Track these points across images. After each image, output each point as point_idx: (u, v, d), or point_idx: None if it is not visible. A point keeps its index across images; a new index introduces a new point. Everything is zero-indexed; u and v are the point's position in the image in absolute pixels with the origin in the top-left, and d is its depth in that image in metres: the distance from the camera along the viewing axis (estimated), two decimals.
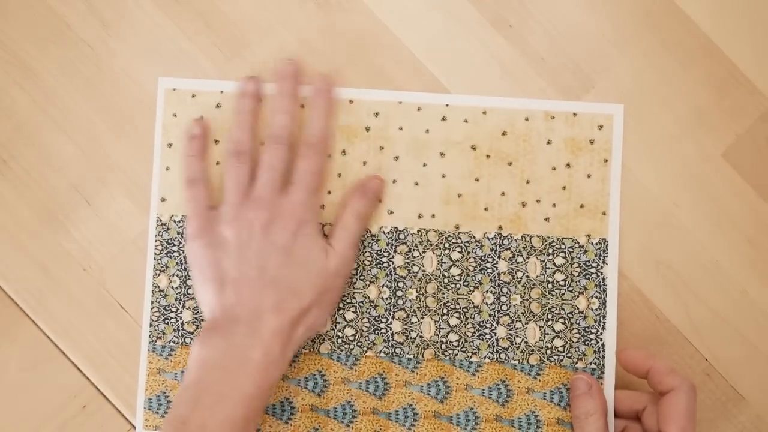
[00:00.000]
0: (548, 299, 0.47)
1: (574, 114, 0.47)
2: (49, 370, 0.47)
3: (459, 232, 0.47)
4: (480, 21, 0.48)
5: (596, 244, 0.47)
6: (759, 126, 0.48)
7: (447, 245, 0.47)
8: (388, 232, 0.47)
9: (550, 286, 0.47)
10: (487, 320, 0.46)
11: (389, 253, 0.47)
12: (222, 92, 0.47)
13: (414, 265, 0.47)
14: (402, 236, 0.47)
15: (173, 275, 0.47)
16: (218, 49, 0.48)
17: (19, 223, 0.48)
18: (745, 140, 0.48)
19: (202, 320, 0.46)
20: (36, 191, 0.48)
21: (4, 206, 0.48)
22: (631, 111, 0.48)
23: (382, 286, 0.47)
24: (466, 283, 0.47)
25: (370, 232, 0.47)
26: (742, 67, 0.48)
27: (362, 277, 0.47)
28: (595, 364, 0.46)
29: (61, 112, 0.48)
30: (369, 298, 0.47)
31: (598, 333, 0.46)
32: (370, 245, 0.47)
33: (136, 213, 0.48)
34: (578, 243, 0.47)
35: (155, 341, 0.47)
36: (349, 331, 0.46)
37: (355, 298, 0.47)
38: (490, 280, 0.47)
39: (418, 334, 0.46)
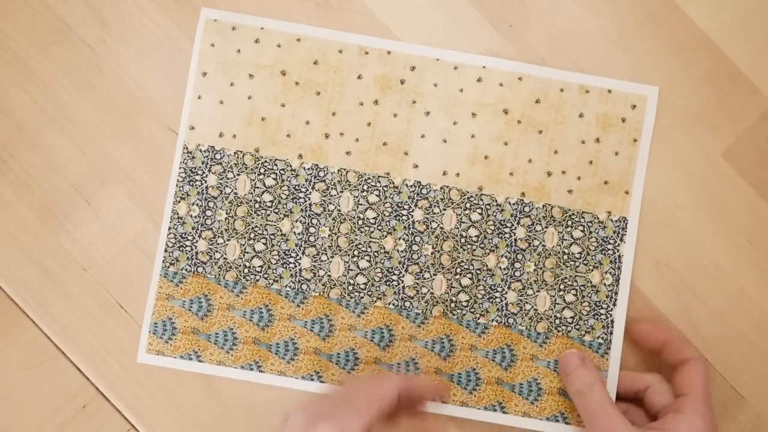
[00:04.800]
0: (562, 270, 0.47)
1: (609, 91, 0.47)
2: (49, 370, 0.47)
3: (482, 194, 0.47)
4: (480, 21, 0.48)
5: (616, 221, 0.47)
6: (759, 126, 0.48)
7: (468, 205, 0.47)
8: (411, 186, 0.47)
9: (565, 257, 0.47)
10: (499, 284, 0.47)
11: (410, 207, 0.47)
12: (262, 28, 0.47)
13: (433, 221, 0.47)
14: (424, 191, 0.47)
15: (193, 204, 0.47)
16: None
17: (19, 223, 0.48)
18: (745, 140, 0.48)
19: (217, 252, 0.47)
20: (36, 191, 0.48)
21: (4, 206, 0.48)
22: None
23: (399, 239, 0.47)
24: (482, 246, 0.47)
25: (393, 183, 0.47)
26: (742, 67, 0.48)
27: (380, 227, 0.47)
28: (602, 338, 0.46)
29: (61, 112, 0.48)
30: (384, 248, 0.47)
31: (609, 308, 0.46)
32: (391, 197, 0.47)
33: (136, 213, 0.48)
34: (598, 218, 0.47)
35: (168, 267, 0.47)
36: (360, 279, 0.47)
37: (370, 247, 0.47)
38: (507, 245, 0.47)
39: (429, 290, 0.47)
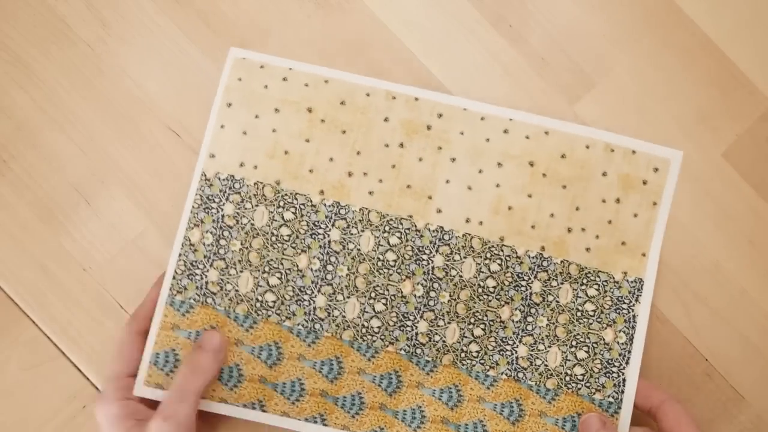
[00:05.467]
0: (575, 326, 0.46)
1: (633, 151, 0.47)
2: (49, 370, 0.47)
3: (503, 245, 0.46)
4: (480, 21, 0.48)
5: (632, 282, 0.46)
6: (759, 126, 0.48)
7: (489, 255, 0.46)
8: (434, 230, 0.46)
9: (578, 314, 0.46)
10: (510, 337, 0.46)
11: (431, 252, 0.46)
12: (291, 69, 0.47)
13: (453, 268, 0.46)
14: (446, 237, 0.46)
15: (207, 232, 0.46)
16: (218, 49, 0.48)
17: (19, 223, 0.48)
18: (745, 140, 0.48)
19: (228, 283, 0.45)
20: (36, 191, 0.48)
21: (4, 206, 0.48)
22: (631, 111, 0.48)
23: (417, 284, 0.46)
24: (498, 297, 0.46)
25: (416, 226, 0.46)
26: (742, 67, 0.48)
27: (399, 271, 0.46)
28: (612, 397, 0.45)
29: (61, 112, 0.48)
30: (402, 292, 0.46)
31: (621, 367, 0.46)
32: (413, 240, 0.46)
33: (136, 213, 0.48)
34: (613, 278, 0.46)
35: (175, 295, 0.45)
36: (375, 323, 0.46)
37: (388, 290, 0.46)
38: (522, 298, 0.46)
39: (441, 338, 0.46)
